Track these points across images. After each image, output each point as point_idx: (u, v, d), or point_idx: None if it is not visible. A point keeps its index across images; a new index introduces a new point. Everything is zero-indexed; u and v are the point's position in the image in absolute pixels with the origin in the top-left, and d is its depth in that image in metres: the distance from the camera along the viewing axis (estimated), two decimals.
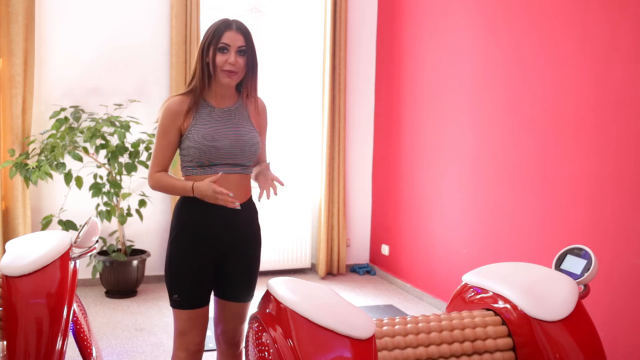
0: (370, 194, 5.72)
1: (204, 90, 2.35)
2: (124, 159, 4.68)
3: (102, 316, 4.31)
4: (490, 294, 2.34)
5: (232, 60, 2.27)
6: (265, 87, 5.20)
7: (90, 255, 4.66)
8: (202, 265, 2.37)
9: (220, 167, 2.33)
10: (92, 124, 4.63)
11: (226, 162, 2.34)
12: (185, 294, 2.36)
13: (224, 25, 2.30)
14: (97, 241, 2.89)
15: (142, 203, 4.75)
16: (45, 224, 4.50)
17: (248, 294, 2.48)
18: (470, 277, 2.45)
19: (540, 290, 2.23)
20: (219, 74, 2.31)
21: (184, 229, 2.37)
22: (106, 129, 4.64)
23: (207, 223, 2.35)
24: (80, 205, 4.76)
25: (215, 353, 2.83)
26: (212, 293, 2.49)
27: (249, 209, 2.45)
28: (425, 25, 4.88)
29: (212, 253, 2.39)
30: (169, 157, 2.37)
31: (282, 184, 2.38)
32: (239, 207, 2.26)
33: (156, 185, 2.37)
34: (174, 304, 2.38)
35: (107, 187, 4.65)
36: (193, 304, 2.37)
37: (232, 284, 2.44)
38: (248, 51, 2.31)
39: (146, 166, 4.66)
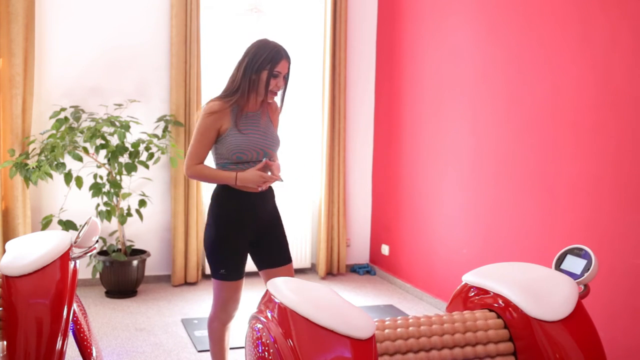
0: (370, 194, 5.72)
1: (241, 100, 2.79)
2: (124, 159, 4.68)
3: (102, 316, 4.31)
4: (491, 294, 2.34)
5: (281, 84, 2.83)
6: None
7: (90, 255, 4.66)
8: (243, 244, 2.86)
9: (253, 163, 2.80)
10: (92, 124, 4.63)
11: (256, 159, 2.81)
12: (231, 268, 2.83)
13: (280, 55, 2.77)
14: (97, 241, 2.89)
15: (142, 203, 4.75)
16: (45, 224, 4.50)
17: (290, 257, 2.98)
18: (470, 277, 2.45)
19: (540, 290, 2.23)
20: (264, 92, 2.80)
21: (226, 214, 2.82)
22: (106, 129, 4.64)
23: (245, 209, 2.82)
24: (80, 205, 4.77)
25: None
26: (257, 268, 2.95)
27: (271, 193, 2.96)
28: (425, 26, 4.88)
29: (250, 233, 2.86)
30: (206, 153, 2.81)
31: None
32: (282, 181, 2.86)
33: (196, 175, 2.81)
34: (222, 277, 2.83)
35: (107, 187, 4.65)
36: (237, 277, 2.85)
37: (275, 252, 2.93)
38: (288, 75, 2.85)
39: (146, 166, 4.69)
